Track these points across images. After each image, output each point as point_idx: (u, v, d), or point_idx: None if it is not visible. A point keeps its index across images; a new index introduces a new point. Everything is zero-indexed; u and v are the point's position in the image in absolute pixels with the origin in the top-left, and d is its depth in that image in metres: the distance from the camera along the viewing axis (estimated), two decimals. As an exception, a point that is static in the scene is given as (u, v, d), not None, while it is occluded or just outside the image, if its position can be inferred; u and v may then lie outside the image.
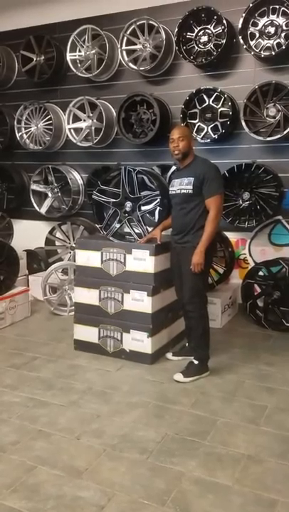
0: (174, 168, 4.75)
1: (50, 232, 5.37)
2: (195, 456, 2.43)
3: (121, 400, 2.99)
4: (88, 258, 3.65)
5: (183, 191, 3.26)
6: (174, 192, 3.35)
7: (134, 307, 3.49)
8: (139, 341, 3.49)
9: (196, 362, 3.29)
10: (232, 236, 4.82)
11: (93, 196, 3.77)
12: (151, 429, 2.66)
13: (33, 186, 5.52)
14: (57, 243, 5.39)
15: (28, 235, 5.63)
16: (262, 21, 4.44)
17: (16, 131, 5.51)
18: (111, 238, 3.67)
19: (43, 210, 5.50)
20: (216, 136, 4.63)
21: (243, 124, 4.49)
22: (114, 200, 3.69)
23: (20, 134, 5.51)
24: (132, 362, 3.51)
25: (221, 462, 2.39)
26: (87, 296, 3.66)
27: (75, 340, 3.76)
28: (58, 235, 5.35)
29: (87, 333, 3.68)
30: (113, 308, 3.57)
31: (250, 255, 4.87)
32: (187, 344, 3.59)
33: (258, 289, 4.46)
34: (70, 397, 3.01)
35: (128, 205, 3.66)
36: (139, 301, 3.47)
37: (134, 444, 2.52)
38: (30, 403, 2.95)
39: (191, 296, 3.27)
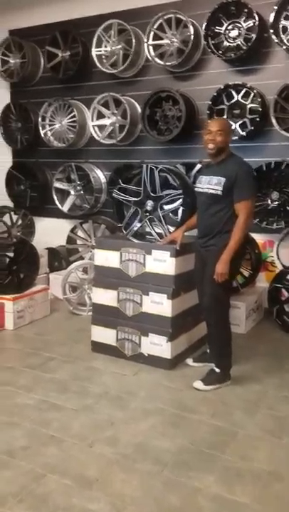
0: (199, 166, 4.62)
1: (72, 230, 5.30)
2: (213, 471, 2.29)
3: (137, 406, 2.87)
4: (107, 258, 3.55)
5: (211, 191, 3.04)
6: (200, 190, 3.14)
7: (153, 310, 3.37)
8: (157, 345, 3.36)
9: (217, 370, 3.13)
10: (259, 238, 4.63)
11: (114, 194, 3.66)
12: (167, 438, 2.54)
13: (56, 184, 5.46)
14: (78, 242, 5.32)
15: (50, 232, 5.58)
16: (294, 14, 4.24)
17: (40, 128, 5.46)
18: (131, 238, 3.55)
19: (65, 208, 5.44)
20: (244, 134, 4.45)
21: (273, 120, 4.30)
22: (135, 199, 3.57)
23: (44, 131, 5.46)
24: (150, 366, 3.38)
25: (240, 478, 2.25)
26: (105, 296, 3.56)
27: (93, 342, 3.67)
28: (80, 233, 5.28)
29: (105, 335, 3.58)
30: (131, 310, 3.46)
31: (278, 258, 4.67)
32: (208, 350, 3.44)
33: (286, 294, 4.27)
34: (85, 402, 2.91)
35: (149, 204, 3.52)
36: (159, 304, 3.34)
37: (149, 454, 2.40)
38: (43, 406, 2.86)
39: (212, 303, 3.09)
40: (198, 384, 3.09)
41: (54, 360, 3.52)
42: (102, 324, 3.59)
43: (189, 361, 3.45)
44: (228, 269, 2.96)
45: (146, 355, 3.42)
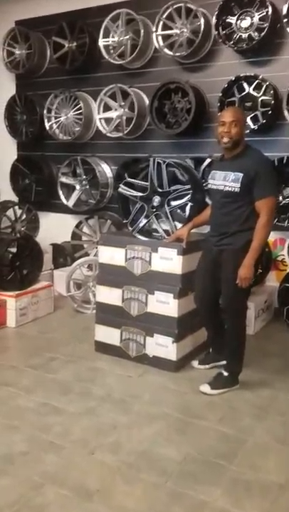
0: (208, 160, 4.47)
1: (77, 226, 5.19)
2: (220, 482, 2.17)
3: (141, 410, 2.75)
4: (112, 255, 3.43)
5: (227, 188, 2.81)
6: (214, 187, 2.90)
7: (158, 310, 3.24)
8: (163, 347, 3.24)
9: (225, 373, 3.00)
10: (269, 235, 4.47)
11: (119, 189, 3.53)
12: (172, 446, 2.42)
13: (62, 178, 5.33)
14: (83, 238, 5.21)
15: (54, 228, 5.47)
16: (310, 2, 4.07)
17: (46, 120, 5.34)
18: (136, 235, 3.43)
19: (70, 203, 5.31)
20: (255, 127, 4.29)
21: (286, 114, 4.14)
22: (141, 194, 3.44)
23: (50, 123, 5.33)
24: (155, 368, 3.26)
25: (249, 491, 2.13)
26: (109, 295, 3.44)
27: (96, 342, 3.55)
28: (85, 229, 5.17)
29: (109, 335, 3.46)
30: (136, 309, 3.34)
31: (289, 256, 4.53)
32: (211, 350, 3.32)
33: (296, 294, 4.14)
34: (87, 404, 2.80)
35: (156, 199, 3.39)
36: (165, 304, 3.22)
37: (153, 463, 2.29)
38: (44, 409, 2.76)
39: (230, 305, 2.94)
40: (205, 388, 2.97)
41: (57, 360, 3.41)
42: (106, 324, 3.48)
43: (195, 363, 3.33)
44: (253, 272, 2.79)
45: (151, 356, 3.30)
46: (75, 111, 5.19)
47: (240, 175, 2.75)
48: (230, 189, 2.80)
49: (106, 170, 5.21)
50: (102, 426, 2.58)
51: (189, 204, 3.31)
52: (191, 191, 3.26)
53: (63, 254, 5.32)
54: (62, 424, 2.60)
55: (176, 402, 2.85)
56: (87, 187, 5.26)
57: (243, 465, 2.29)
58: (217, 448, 2.42)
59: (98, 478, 2.17)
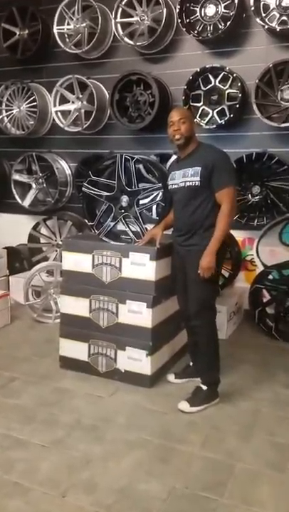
0: (174, 157, 4.23)
1: (34, 227, 4.81)
2: (211, 520, 1.92)
3: (116, 438, 2.46)
4: (77, 262, 3.10)
5: (188, 184, 2.71)
6: (176, 186, 2.80)
7: (130, 320, 2.96)
8: (136, 360, 2.96)
9: (204, 387, 2.77)
10: (238, 235, 4.30)
11: (83, 189, 3.21)
12: (155, 480, 2.14)
13: (15, 176, 4.94)
14: (42, 240, 4.84)
15: (9, 230, 5.06)
16: (277, -9, 3.90)
17: (-4, 113, 4.93)
18: (104, 238, 3.12)
19: (26, 203, 4.93)
20: (222, 122, 4.10)
21: (254, 108, 3.96)
22: (107, 194, 3.14)
23: (0, 117, 4.92)
24: (127, 384, 2.97)
25: (243, 528, 1.89)
26: (75, 306, 3.12)
27: (61, 357, 3.22)
28: (43, 231, 4.80)
29: (75, 349, 3.14)
30: (106, 321, 3.04)
31: (258, 256, 4.36)
32: (191, 363, 3.08)
33: (268, 295, 3.96)
34: (55, 434, 2.47)
35: (124, 199, 3.10)
36: (137, 314, 2.94)
37: (135, 502, 2.00)
38: (5, 442, 2.41)
39: (199, 309, 2.74)
40: (184, 405, 2.72)
41: (17, 381, 3.05)
42: (72, 337, 3.15)
43: (171, 377, 3.07)
44: (215, 262, 2.63)
45: (123, 371, 3.01)
46: (28, 103, 4.81)
47: (198, 168, 2.70)
48: (191, 183, 2.72)
49: (64, 167, 4.87)
50: (74, 460, 2.27)
51: (160, 203, 3.06)
52: (162, 190, 3.00)
53: (19, 259, 4.93)
54: (27, 459, 2.27)
55: (154, 425, 2.57)
56: (44, 185, 4.89)
57: (235, 497, 2.05)
58: (204, 478, 2.17)
59: (73, 528, 1.87)
